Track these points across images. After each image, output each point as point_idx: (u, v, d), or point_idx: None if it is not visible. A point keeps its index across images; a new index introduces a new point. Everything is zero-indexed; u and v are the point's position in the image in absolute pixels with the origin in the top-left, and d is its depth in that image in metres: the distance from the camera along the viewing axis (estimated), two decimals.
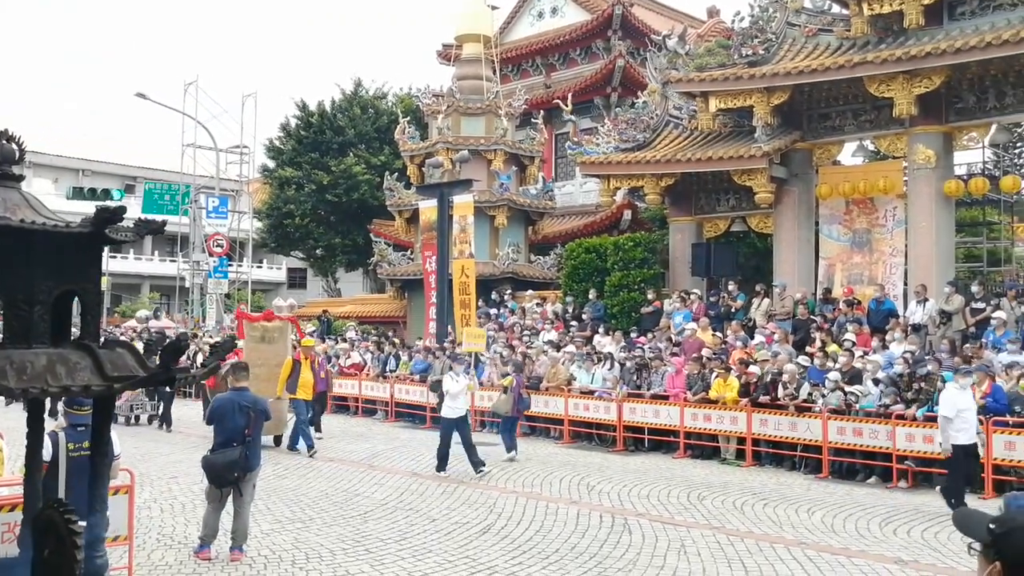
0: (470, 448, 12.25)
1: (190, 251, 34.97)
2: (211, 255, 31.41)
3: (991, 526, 2.37)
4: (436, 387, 17.98)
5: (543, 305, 22.04)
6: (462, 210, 21.83)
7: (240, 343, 15.21)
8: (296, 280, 54.89)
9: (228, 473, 7.77)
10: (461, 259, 21.48)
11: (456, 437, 12.31)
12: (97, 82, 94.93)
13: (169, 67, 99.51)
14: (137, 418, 17.84)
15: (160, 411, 17.50)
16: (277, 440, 14.74)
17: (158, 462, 13.09)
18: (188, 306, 36.01)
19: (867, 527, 9.49)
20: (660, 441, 14.79)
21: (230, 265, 33.14)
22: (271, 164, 38.65)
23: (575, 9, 32.54)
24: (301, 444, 14.23)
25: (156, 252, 53.43)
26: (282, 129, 38.31)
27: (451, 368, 13.14)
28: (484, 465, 12.15)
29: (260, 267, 51.19)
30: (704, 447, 14.29)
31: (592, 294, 20.69)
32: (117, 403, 15.52)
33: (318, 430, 15.52)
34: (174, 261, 43.54)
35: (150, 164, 54.17)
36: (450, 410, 12.45)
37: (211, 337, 22.75)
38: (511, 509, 10.11)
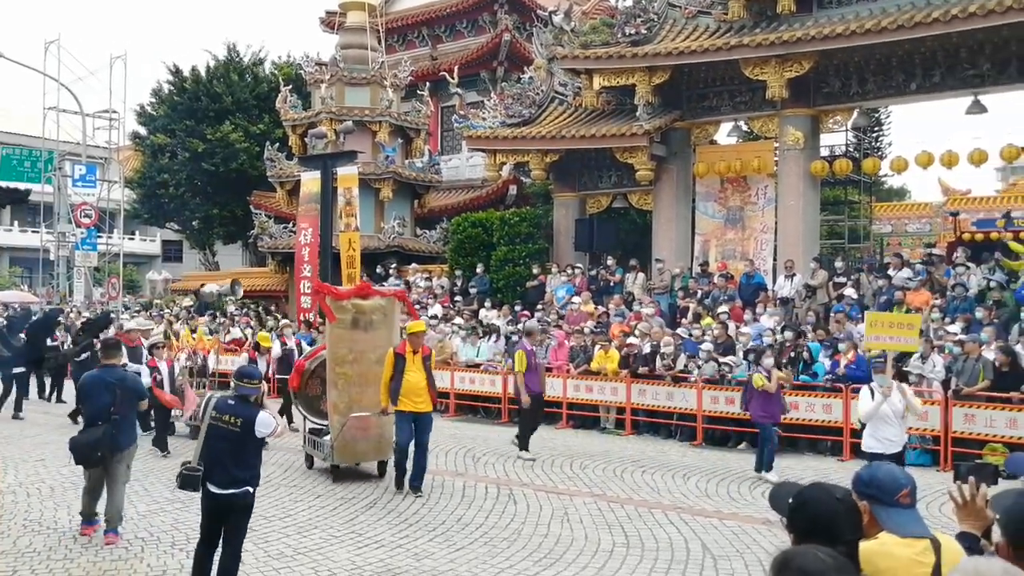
0: None
1: (55, 222, 33.05)
2: (79, 226, 29.78)
3: (790, 501, 2.55)
4: None
5: (429, 279, 21.99)
6: (347, 182, 21.38)
7: (324, 333, 11.53)
8: (171, 253, 52.79)
9: (92, 453, 7.50)
10: (347, 232, 21.12)
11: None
12: None
13: (27, 23, 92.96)
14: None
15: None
16: (381, 468, 10.56)
17: (24, 444, 12.43)
18: (54, 280, 34.10)
19: (738, 491, 10.00)
20: (544, 412, 15.06)
21: (99, 237, 31.53)
22: (143, 131, 36.80)
23: None
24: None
25: (16, 222, 50.23)
26: (154, 94, 36.47)
27: (872, 379, 8.63)
28: None
29: (132, 239, 48.91)
30: (585, 417, 14.67)
31: (479, 268, 20.80)
32: (185, 415, 13.16)
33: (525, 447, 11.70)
34: (36, 232, 41.06)
35: (7, 128, 50.65)
36: (876, 443, 8.06)
37: (79, 312, 21.64)
38: None
